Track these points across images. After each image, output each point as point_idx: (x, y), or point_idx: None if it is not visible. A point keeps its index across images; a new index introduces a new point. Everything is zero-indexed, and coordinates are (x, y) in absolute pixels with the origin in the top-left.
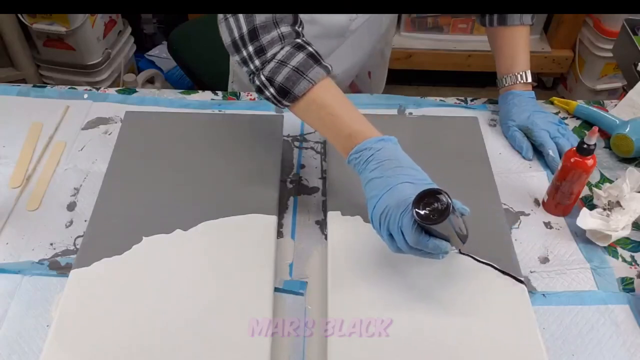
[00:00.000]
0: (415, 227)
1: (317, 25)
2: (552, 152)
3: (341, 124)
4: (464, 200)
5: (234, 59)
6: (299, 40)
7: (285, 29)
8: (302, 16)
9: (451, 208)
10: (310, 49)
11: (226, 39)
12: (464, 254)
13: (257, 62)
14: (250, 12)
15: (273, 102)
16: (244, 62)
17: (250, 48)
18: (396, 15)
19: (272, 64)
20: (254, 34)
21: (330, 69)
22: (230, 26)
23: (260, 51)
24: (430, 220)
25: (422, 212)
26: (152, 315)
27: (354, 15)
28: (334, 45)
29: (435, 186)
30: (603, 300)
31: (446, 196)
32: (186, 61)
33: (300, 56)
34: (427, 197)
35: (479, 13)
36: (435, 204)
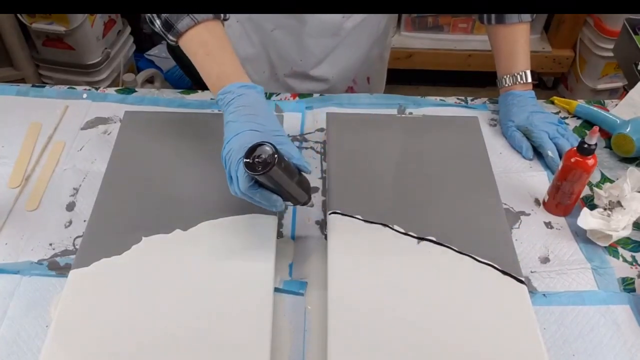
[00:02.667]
0: (246, 174)
1: (308, 24)
2: (551, 152)
3: (214, 65)
4: (464, 200)
5: None
6: None
7: None
8: (291, 15)
9: (275, 162)
10: None
11: None
12: (463, 253)
13: None
14: (248, 12)
15: (162, 37)
16: None
17: None
18: (394, 18)
19: None
20: None
21: (221, 15)
22: None
23: None
24: (255, 171)
25: (250, 161)
26: (152, 315)
27: (347, 14)
28: (330, 44)
29: (280, 139)
30: (604, 301)
31: (272, 148)
32: (186, 61)
33: None
34: (260, 148)
35: (478, 13)
36: (265, 156)
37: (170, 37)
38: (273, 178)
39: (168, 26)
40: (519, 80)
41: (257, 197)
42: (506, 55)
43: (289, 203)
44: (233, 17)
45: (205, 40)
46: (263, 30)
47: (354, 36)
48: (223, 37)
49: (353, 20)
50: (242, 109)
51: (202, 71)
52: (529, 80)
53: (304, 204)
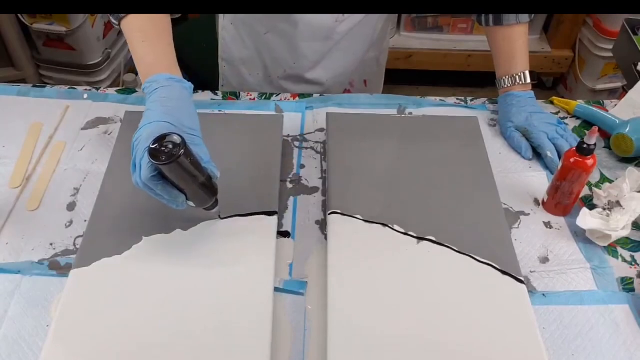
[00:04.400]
0: (150, 163)
1: (299, 28)
2: (550, 153)
3: (147, 52)
4: (464, 200)
5: None
6: None
7: None
8: (282, 18)
9: (182, 154)
10: None
11: None
12: (463, 253)
13: None
14: (246, 12)
15: (110, 18)
16: None
17: None
18: (391, 21)
19: None
20: None
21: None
22: None
23: None
24: (159, 160)
25: (155, 150)
26: (152, 315)
27: (341, 17)
28: (322, 49)
29: (194, 139)
30: (603, 300)
31: (181, 140)
32: (186, 61)
33: None
34: (169, 138)
35: (478, 13)
36: (172, 147)
37: (113, 20)
38: (177, 171)
39: None
40: (517, 81)
41: (159, 190)
42: (505, 57)
43: (191, 203)
44: (227, 19)
45: (144, 27)
46: (256, 33)
47: (349, 40)
48: (164, 27)
49: (346, 24)
50: (162, 100)
51: (135, 57)
52: (528, 80)
53: (210, 208)
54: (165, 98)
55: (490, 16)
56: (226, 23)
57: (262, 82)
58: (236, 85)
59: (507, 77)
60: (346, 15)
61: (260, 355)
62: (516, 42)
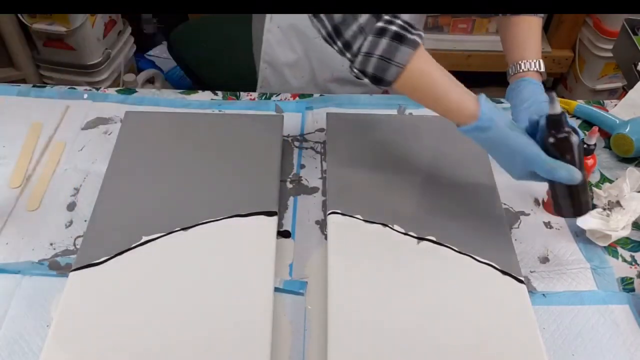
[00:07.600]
0: None
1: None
2: None
3: (440, 102)
4: (464, 199)
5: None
6: (379, 25)
7: (363, 18)
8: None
9: None
10: (393, 28)
11: (321, 35)
12: (463, 253)
13: (348, 55)
14: (245, 13)
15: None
16: (341, 53)
17: (339, 44)
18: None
19: (360, 58)
20: (337, 31)
21: (417, 40)
22: (317, 25)
23: (347, 46)
24: None
25: None
26: (152, 315)
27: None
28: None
29: None
30: (603, 300)
31: None
32: (186, 61)
33: (383, 42)
34: None
35: (479, 13)
36: None
37: (383, 87)
38: None
39: (378, 80)
40: (534, 66)
41: None
42: (520, 43)
43: None
44: (274, 23)
45: (418, 85)
46: (306, 37)
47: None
48: (433, 71)
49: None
50: None
51: (432, 108)
52: (542, 69)
53: None
54: None
55: None
56: (272, 26)
57: (306, 85)
58: (276, 87)
59: (523, 62)
60: None
61: (260, 355)
62: (532, 31)
